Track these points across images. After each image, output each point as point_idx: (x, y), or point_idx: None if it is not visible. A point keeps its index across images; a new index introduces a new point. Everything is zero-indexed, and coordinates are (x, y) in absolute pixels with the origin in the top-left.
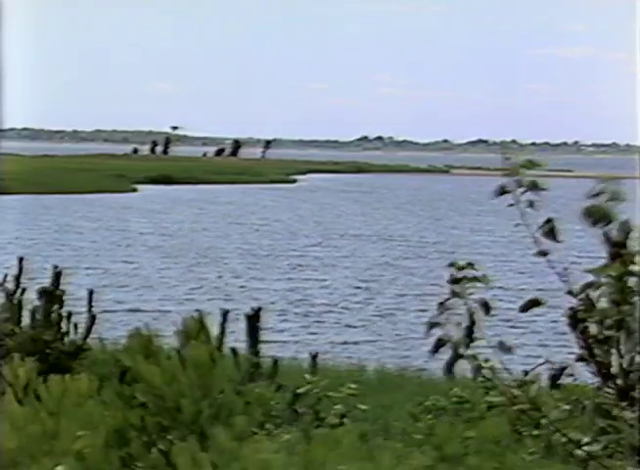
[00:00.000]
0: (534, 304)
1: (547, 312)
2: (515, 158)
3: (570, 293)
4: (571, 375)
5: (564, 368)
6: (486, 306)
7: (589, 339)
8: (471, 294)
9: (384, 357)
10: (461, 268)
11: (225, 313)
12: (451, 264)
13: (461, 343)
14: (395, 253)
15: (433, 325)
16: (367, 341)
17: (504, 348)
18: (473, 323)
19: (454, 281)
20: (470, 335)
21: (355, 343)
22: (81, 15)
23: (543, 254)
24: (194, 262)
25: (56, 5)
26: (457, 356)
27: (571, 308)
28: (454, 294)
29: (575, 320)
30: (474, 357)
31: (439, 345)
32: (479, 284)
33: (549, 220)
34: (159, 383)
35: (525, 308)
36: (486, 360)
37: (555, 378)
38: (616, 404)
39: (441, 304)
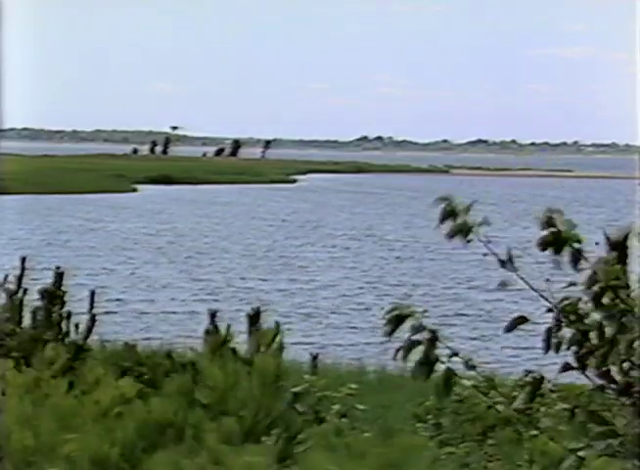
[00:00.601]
0: (520, 321)
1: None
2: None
3: (550, 310)
4: (553, 391)
5: (541, 380)
6: (434, 338)
7: (583, 349)
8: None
9: (385, 359)
10: (403, 311)
11: (213, 314)
12: (390, 310)
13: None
14: (396, 253)
15: (413, 345)
16: (369, 342)
17: (469, 366)
18: (428, 354)
19: (397, 323)
20: (428, 362)
21: (354, 345)
22: (81, 15)
23: (503, 285)
24: (195, 263)
25: (56, 5)
26: (431, 363)
27: (549, 330)
28: (412, 329)
29: (550, 340)
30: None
31: (408, 350)
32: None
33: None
34: (222, 386)
35: (510, 328)
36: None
37: (533, 389)
38: (609, 409)
39: (398, 349)
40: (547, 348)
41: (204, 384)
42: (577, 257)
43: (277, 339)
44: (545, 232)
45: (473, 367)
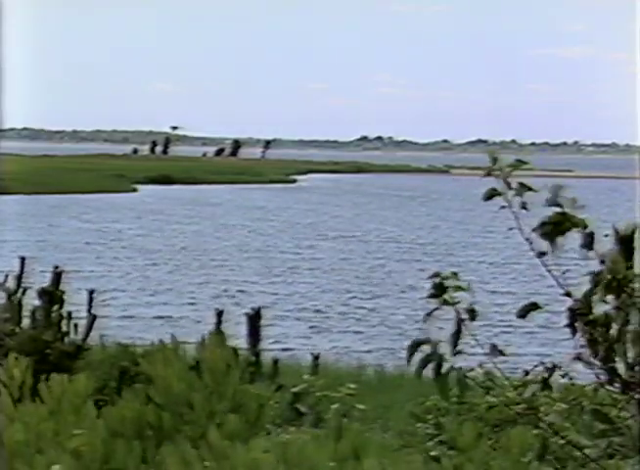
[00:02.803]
0: (532, 308)
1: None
2: (502, 160)
3: (567, 295)
4: (564, 376)
5: (553, 368)
6: (473, 313)
7: (593, 338)
8: (457, 303)
9: (383, 360)
10: (445, 278)
11: (220, 313)
12: (436, 275)
13: (437, 346)
14: (397, 255)
15: (418, 344)
16: (366, 344)
17: (495, 351)
18: (460, 329)
19: (440, 290)
20: (456, 341)
21: (346, 348)
22: (81, 15)
23: (542, 254)
24: (196, 265)
25: (56, 5)
26: (439, 360)
27: (570, 310)
28: (444, 302)
29: (574, 322)
30: (459, 369)
31: (413, 349)
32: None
33: (544, 223)
34: (175, 387)
35: (523, 313)
36: (480, 365)
37: (546, 379)
38: (614, 405)
39: (429, 314)
40: (573, 330)
41: (158, 384)
42: (590, 240)
43: (223, 340)
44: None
45: (501, 353)
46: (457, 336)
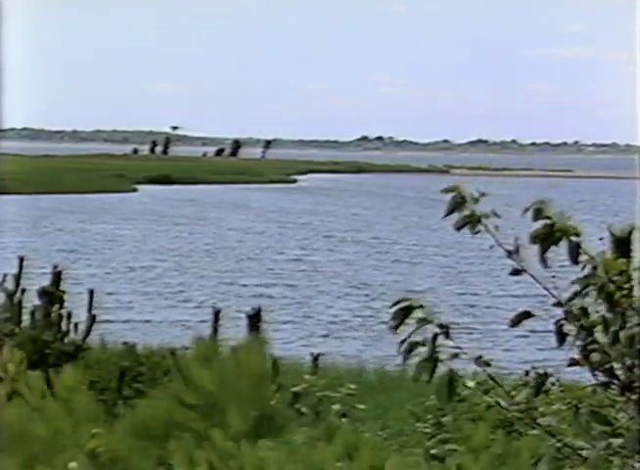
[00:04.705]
0: (525, 316)
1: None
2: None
3: (558, 304)
4: (554, 384)
5: (545, 375)
6: (446, 332)
7: (588, 343)
8: (429, 321)
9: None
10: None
11: (217, 312)
12: (398, 302)
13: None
14: (398, 256)
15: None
16: (367, 348)
17: (481, 362)
18: (435, 346)
19: (406, 313)
20: (435, 359)
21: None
22: (81, 15)
23: (516, 272)
24: (196, 266)
25: (56, 5)
26: (434, 361)
27: (558, 320)
28: (419, 321)
29: (562, 333)
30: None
31: (410, 350)
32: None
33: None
34: (210, 387)
35: (515, 322)
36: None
37: (540, 384)
38: (612, 405)
39: (403, 341)
40: (561, 341)
41: (192, 385)
42: (577, 250)
43: (262, 344)
44: (538, 224)
45: (487, 364)
46: (433, 351)
